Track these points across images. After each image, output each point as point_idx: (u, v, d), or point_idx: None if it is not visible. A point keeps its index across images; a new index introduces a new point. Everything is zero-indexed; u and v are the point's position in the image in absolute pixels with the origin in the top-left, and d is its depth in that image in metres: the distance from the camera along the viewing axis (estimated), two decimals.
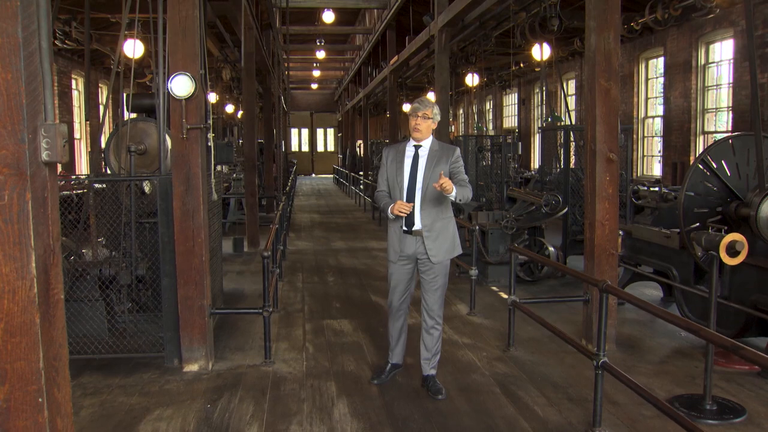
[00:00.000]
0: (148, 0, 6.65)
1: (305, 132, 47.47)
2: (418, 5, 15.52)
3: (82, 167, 16.58)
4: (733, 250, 4.15)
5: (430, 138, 4.66)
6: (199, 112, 5.18)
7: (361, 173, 24.55)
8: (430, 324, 4.74)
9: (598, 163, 5.57)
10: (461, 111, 27.93)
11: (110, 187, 6.72)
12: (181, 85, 5.03)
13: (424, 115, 4.56)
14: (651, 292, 7.81)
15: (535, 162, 18.26)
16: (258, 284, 8.35)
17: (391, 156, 4.70)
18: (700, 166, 5.50)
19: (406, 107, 20.14)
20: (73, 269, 5.96)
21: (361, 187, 21.19)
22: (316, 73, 39.02)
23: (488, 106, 24.61)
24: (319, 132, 47.96)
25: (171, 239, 5.29)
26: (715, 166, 5.52)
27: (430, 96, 17.78)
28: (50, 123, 1.97)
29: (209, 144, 5.48)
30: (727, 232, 4.30)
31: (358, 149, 33.89)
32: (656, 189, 7.38)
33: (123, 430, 4.17)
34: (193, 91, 5.04)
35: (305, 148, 47.55)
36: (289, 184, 17.62)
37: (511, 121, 22.91)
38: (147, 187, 6.48)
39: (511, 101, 23.09)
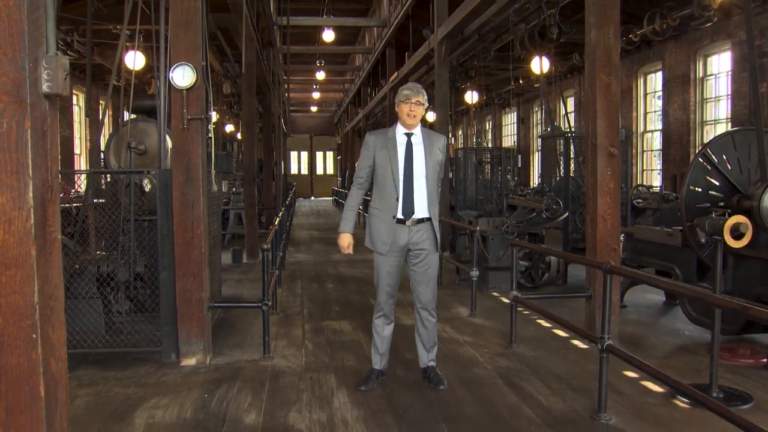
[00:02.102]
0: (148, 11, 6.73)
1: (304, 155, 47.62)
2: (418, 22, 15.67)
3: (83, 183, 16.54)
4: (737, 233, 4.11)
5: (419, 125, 4.59)
6: (200, 103, 5.17)
7: None
8: (425, 316, 4.63)
9: (599, 158, 5.55)
10: (460, 132, 28.04)
11: (109, 186, 6.72)
12: (183, 75, 5.03)
13: (418, 102, 4.45)
14: (653, 296, 7.75)
15: (534, 180, 18.28)
16: (256, 290, 8.25)
17: (379, 144, 4.51)
18: (701, 160, 5.49)
19: None
20: (71, 266, 5.91)
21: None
22: (316, 95, 39.29)
23: (487, 126, 24.70)
24: (319, 155, 48.11)
25: (170, 231, 5.25)
26: (716, 160, 5.51)
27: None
28: (52, 55, 1.95)
29: (209, 135, 5.46)
30: (730, 216, 4.27)
31: None
32: (657, 191, 7.36)
33: (118, 418, 4.08)
34: (194, 81, 5.05)
35: (304, 171, 47.66)
36: (288, 201, 17.60)
37: (510, 140, 23.00)
38: (147, 186, 6.47)
39: (510, 120, 23.20)
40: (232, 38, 13.41)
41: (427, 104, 4.54)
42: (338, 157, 45.75)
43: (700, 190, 5.52)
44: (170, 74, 5.03)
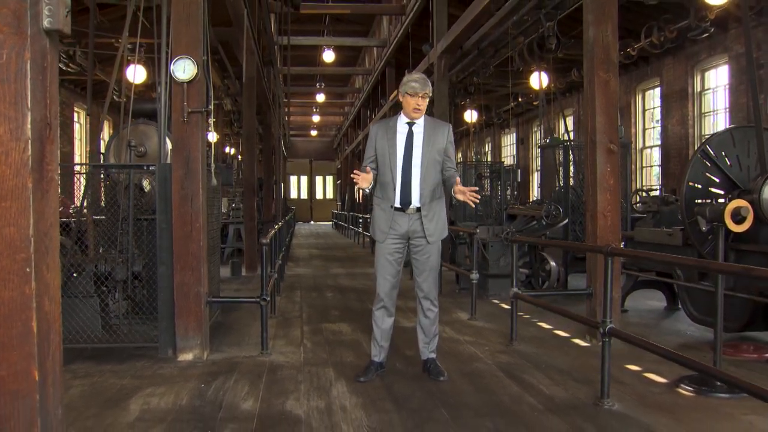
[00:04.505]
0: (149, 25, 6.79)
1: (304, 179, 47.74)
2: (417, 41, 15.81)
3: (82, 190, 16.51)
4: (738, 217, 4.09)
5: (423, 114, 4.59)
6: (201, 96, 5.19)
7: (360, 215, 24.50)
8: (426, 306, 4.60)
9: (598, 154, 5.56)
10: (459, 154, 28.14)
11: (108, 187, 6.69)
12: (184, 68, 5.06)
13: (425, 95, 4.43)
14: (654, 302, 7.70)
15: (534, 196, 18.29)
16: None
17: (381, 132, 4.53)
18: (700, 157, 5.49)
19: None
20: (69, 265, 5.86)
21: (360, 228, 21.15)
22: (316, 119, 39.49)
23: (486, 148, 24.81)
24: (318, 180, 48.23)
25: (169, 225, 5.23)
26: (715, 157, 5.51)
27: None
28: None
29: (209, 129, 5.46)
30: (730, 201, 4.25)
31: (357, 194, 33.99)
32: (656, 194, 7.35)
33: (113, 404, 4.02)
34: (195, 74, 5.07)
35: (304, 195, 47.73)
36: (287, 218, 17.58)
37: (510, 160, 23.06)
38: (146, 186, 6.45)
39: (509, 141, 23.31)
40: (233, 56, 13.50)
41: (431, 93, 4.54)
42: (338, 182, 45.84)
43: (700, 186, 5.50)
44: (171, 67, 5.06)
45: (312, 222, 43.97)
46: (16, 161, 1.87)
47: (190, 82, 5.09)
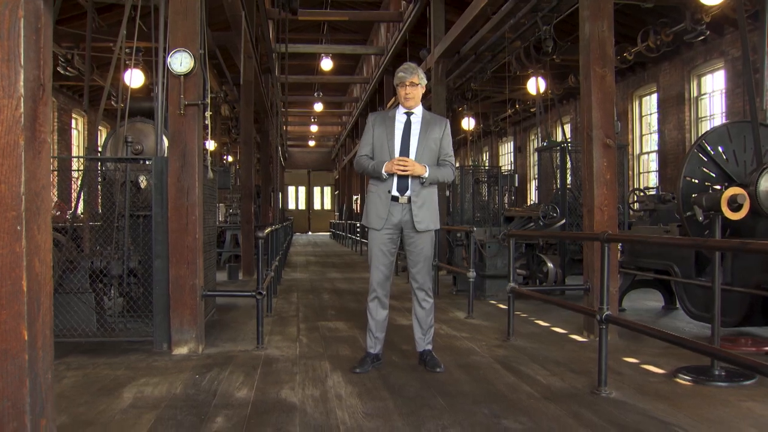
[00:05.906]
0: (146, 29, 6.80)
1: (302, 190, 47.75)
2: (415, 49, 15.86)
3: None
4: (735, 204, 4.08)
5: (420, 105, 4.60)
6: (198, 90, 5.19)
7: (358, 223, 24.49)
8: (421, 297, 4.58)
9: (595, 149, 5.56)
10: (457, 164, 28.18)
11: (105, 185, 6.68)
12: (181, 61, 5.06)
13: (412, 83, 4.46)
14: (651, 303, 7.68)
15: (531, 202, 18.26)
16: (251, 299, 8.17)
17: (378, 121, 4.56)
18: (697, 152, 5.49)
19: None
20: (65, 260, 5.83)
21: (358, 236, 21.15)
22: (314, 129, 39.53)
23: (485, 156, 24.86)
24: (316, 190, 48.24)
25: (164, 218, 5.21)
26: (712, 152, 5.51)
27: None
28: None
29: (207, 136, 5.45)
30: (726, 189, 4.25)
31: (354, 204, 34.03)
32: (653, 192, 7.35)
33: (106, 393, 3.98)
34: (192, 67, 5.07)
35: (302, 206, 47.71)
36: (285, 224, 17.56)
37: (507, 168, 23.10)
38: (142, 183, 6.44)
39: (507, 150, 23.35)
40: (232, 63, 13.51)
41: (425, 82, 4.56)
42: (336, 192, 45.86)
43: (696, 181, 5.50)
44: (168, 60, 5.06)
45: (310, 233, 43.94)
46: (8, 118, 1.86)
47: (187, 75, 5.09)
